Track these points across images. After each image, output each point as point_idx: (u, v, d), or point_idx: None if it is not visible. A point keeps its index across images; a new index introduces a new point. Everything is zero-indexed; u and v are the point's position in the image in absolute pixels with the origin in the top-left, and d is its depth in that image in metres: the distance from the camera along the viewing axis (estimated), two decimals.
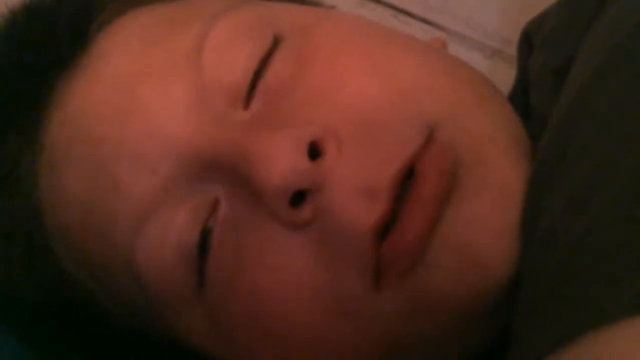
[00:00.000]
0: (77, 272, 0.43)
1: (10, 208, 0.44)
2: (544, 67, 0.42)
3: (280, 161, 0.36)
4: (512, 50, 0.54)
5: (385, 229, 0.36)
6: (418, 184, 0.36)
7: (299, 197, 0.36)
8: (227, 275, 0.39)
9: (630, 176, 0.30)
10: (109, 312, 0.44)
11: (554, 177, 0.34)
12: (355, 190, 0.36)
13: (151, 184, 0.39)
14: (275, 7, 0.44)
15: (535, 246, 0.33)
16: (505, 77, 0.53)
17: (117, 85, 0.41)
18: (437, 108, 0.38)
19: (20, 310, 0.46)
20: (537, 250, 0.33)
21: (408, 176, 0.36)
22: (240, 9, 0.42)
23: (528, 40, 0.47)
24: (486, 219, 0.37)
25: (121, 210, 0.39)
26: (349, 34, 0.41)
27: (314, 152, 0.36)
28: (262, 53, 0.40)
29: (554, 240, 0.32)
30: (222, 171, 0.38)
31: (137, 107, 0.40)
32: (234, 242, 0.38)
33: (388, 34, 0.44)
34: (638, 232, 0.28)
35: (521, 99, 0.46)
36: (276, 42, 0.40)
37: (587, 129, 0.33)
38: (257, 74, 0.39)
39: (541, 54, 0.43)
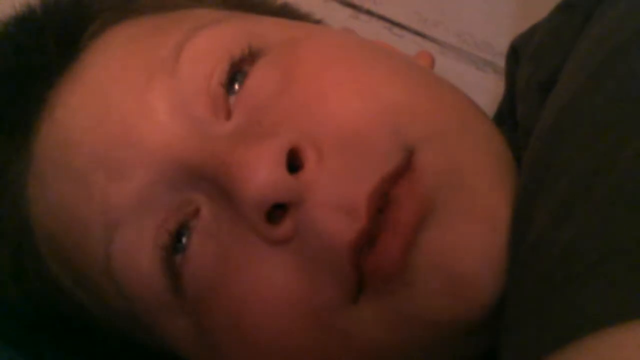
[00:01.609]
0: (65, 281, 0.43)
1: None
2: (529, 81, 0.43)
3: (257, 173, 0.36)
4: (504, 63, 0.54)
5: (367, 242, 0.36)
6: (393, 209, 0.36)
7: (280, 208, 0.36)
8: (207, 283, 0.38)
9: (608, 191, 0.30)
10: (99, 321, 0.44)
11: (538, 195, 0.34)
12: (335, 205, 0.36)
13: (125, 191, 0.39)
14: (264, 22, 0.44)
15: (521, 261, 0.34)
16: (497, 88, 0.54)
17: (94, 93, 0.41)
18: (417, 130, 0.38)
19: (13, 319, 0.46)
20: (522, 265, 0.33)
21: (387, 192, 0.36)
22: (225, 22, 0.42)
23: (515, 54, 0.47)
24: (469, 244, 0.37)
25: (95, 219, 0.39)
26: (335, 50, 0.42)
27: (294, 162, 0.37)
28: (240, 62, 0.40)
29: (539, 252, 0.32)
30: (203, 181, 0.38)
31: (112, 114, 0.40)
32: (214, 250, 0.38)
33: (374, 52, 0.43)
34: (622, 237, 0.29)
35: (510, 107, 0.46)
36: (257, 54, 0.40)
37: (568, 146, 0.33)
38: (237, 84, 0.40)
39: (527, 68, 0.44)
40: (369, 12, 0.68)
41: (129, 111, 0.39)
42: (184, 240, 0.39)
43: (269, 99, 0.39)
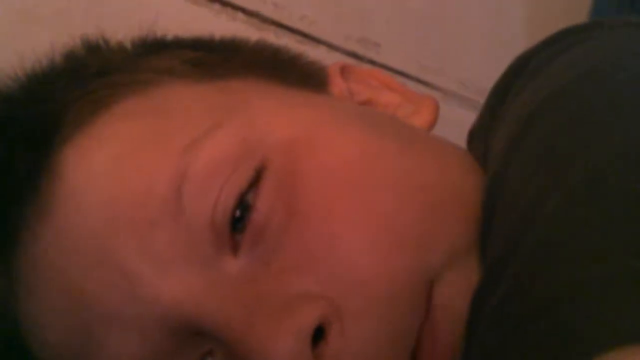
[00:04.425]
0: None
1: None
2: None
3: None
4: None
5: None
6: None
7: None
8: None
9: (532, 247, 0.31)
10: None
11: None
12: None
13: (140, 349, 0.37)
14: (258, 112, 0.40)
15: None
16: None
17: (89, 238, 0.37)
18: (436, 258, 0.37)
19: None
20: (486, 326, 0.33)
21: None
22: (221, 133, 0.38)
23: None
24: None
25: None
26: (338, 167, 0.38)
27: (317, 333, 0.35)
28: (245, 189, 0.37)
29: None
30: (216, 340, 0.37)
31: (115, 265, 0.36)
32: None
33: (380, 151, 0.40)
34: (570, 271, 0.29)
35: None
36: (260, 174, 0.37)
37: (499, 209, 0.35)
38: (242, 213, 0.37)
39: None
40: (371, 62, 0.68)
41: (134, 263, 0.36)
42: None
43: (276, 235, 0.37)
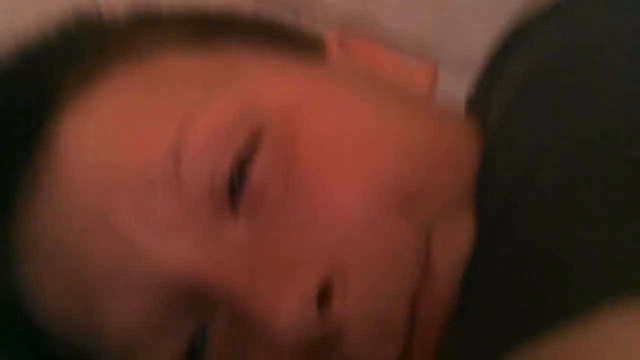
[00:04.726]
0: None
1: None
2: None
3: (289, 323, 0.34)
4: None
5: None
6: (416, 311, 0.36)
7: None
8: None
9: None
10: None
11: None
12: (369, 335, 0.36)
13: (141, 315, 0.37)
14: (256, 81, 0.40)
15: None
16: None
17: (86, 204, 0.37)
18: (430, 208, 0.38)
19: None
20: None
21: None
22: (218, 101, 0.38)
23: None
24: None
25: (111, 338, 0.38)
26: (336, 126, 0.39)
27: (321, 293, 0.35)
28: (242, 154, 0.37)
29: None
30: (218, 305, 0.37)
31: (114, 231, 0.37)
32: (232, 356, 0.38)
33: (375, 111, 0.40)
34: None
35: None
36: (257, 139, 0.37)
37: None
38: (240, 178, 0.37)
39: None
40: (369, 34, 0.68)
41: (136, 232, 0.37)
42: (198, 344, 0.38)
43: (276, 198, 0.37)
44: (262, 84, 0.39)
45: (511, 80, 0.39)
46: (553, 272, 0.29)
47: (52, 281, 0.39)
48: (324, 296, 0.35)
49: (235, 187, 0.37)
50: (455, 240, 0.37)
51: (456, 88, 0.66)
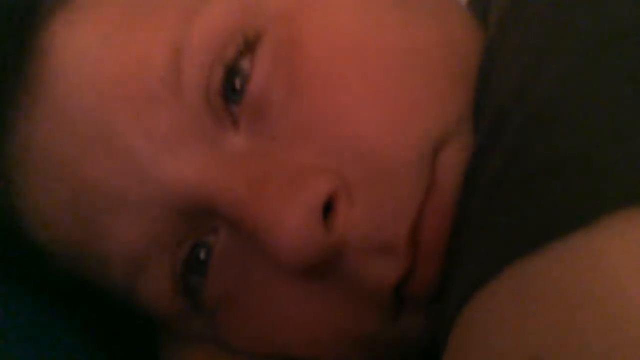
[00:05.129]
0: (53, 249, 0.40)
1: None
2: None
3: (295, 235, 0.34)
4: None
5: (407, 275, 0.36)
6: (421, 230, 0.35)
7: None
8: (227, 304, 0.38)
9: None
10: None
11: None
12: (372, 248, 0.35)
13: (146, 229, 0.37)
14: None
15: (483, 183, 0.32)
16: None
17: (84, 115, 0.36)
18: (441, 128, 0.36)
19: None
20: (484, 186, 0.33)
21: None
22: (215, 4, 0.36)
23: None
24: None
25: (114, 255, 0.37)
26: (338, 30, 0.37)
27: (326, 206, 0.35)
28: (232, 58, 0.36)
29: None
30: (223, 218, 0.36)
31: (114, 143, 0.35)
32: (234, 272, 0.37)
33: (380, 20, 0.39)
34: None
35: None
36: (254, 43, 0.36)
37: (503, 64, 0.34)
38: (241, 88, 0.36)
39: None
40: None
41: (138, 144, 0.35)
42: (202, 255, 0.38)
43: (278, 107, 0.36)
44: None
45: None
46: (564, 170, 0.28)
47: (52, 199, 0.37)
48: (327, 209, 0.34)
49: (232, 97, 0.36)
50: (460, 160, 0.35)
51: None
